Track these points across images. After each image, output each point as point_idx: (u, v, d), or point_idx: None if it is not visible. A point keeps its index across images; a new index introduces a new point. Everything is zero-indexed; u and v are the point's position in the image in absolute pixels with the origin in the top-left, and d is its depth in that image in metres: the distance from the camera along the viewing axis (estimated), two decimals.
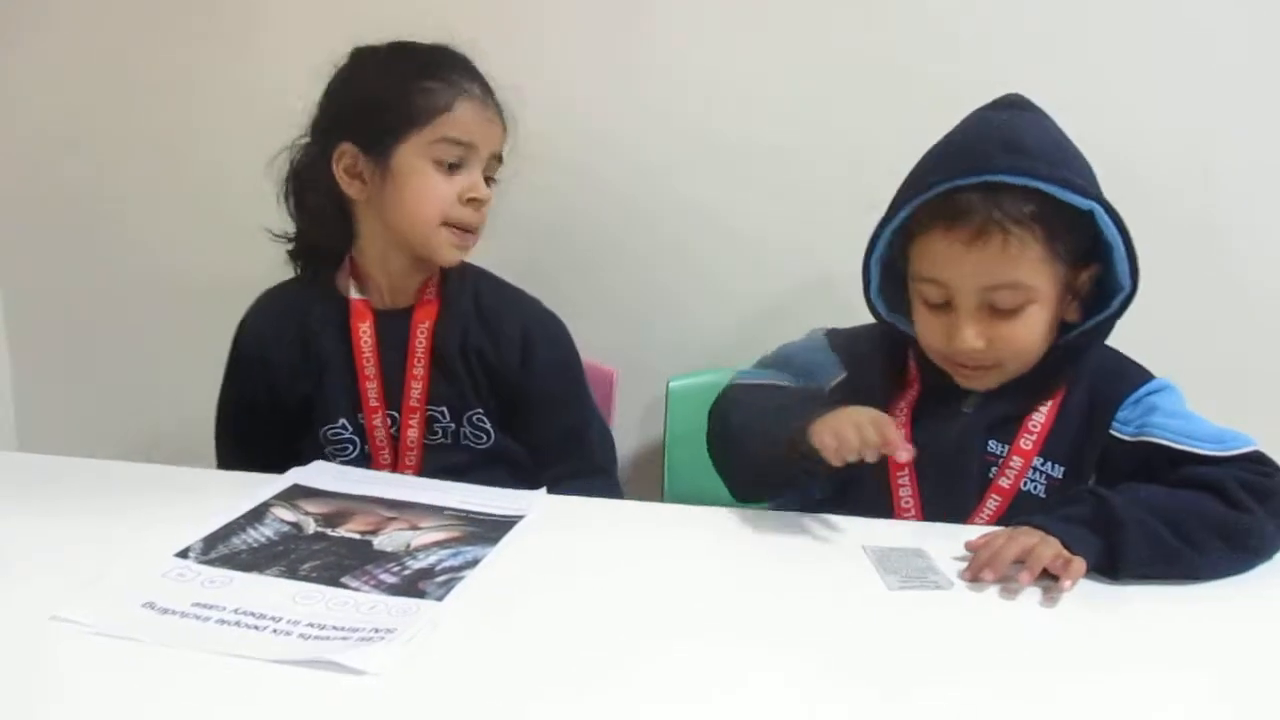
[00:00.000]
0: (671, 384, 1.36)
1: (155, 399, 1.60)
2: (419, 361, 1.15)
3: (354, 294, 1.16)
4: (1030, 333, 0.94)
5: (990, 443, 0.98)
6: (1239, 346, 1.37)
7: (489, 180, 1.16)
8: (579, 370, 1.23)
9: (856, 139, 1.36)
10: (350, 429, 1.15)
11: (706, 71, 1.39)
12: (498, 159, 1.17)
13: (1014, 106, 0.97)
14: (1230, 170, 1.33)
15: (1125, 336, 1.00)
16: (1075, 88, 1.30)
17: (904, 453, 0.90)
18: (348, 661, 0.67)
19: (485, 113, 1.13)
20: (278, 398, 1.17)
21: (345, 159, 1.12)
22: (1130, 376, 0.99)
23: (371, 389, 1.15)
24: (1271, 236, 1.34)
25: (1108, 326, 0.97)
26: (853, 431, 0.87)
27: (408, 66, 1.13)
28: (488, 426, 1.17)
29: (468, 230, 1.14)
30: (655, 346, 1.46)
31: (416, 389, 1.15)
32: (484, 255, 1.28)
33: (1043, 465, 0.97)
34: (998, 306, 0.93)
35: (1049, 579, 0.82)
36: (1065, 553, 0.82)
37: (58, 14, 1.50)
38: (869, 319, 1.06)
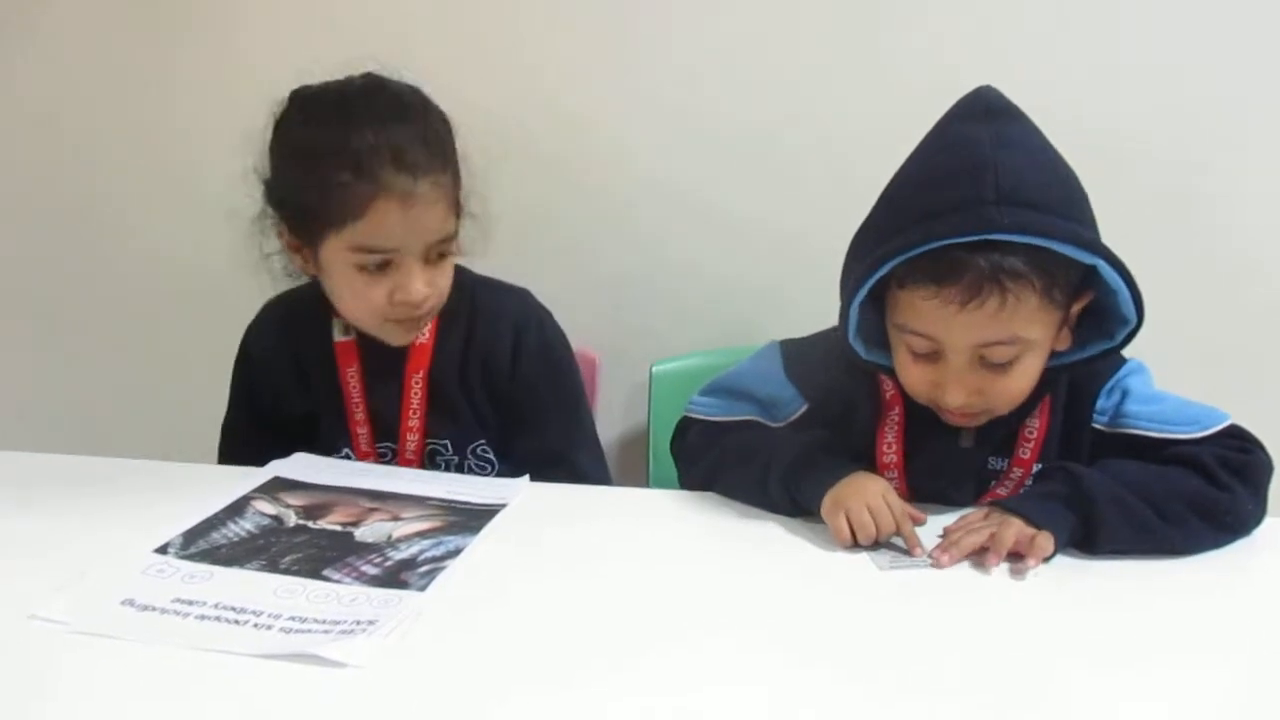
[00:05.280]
0: (655, 369, 1.36)
1: (132, 396, 1.58)
2: (414, 412, 1.10)
3: (339, 336, 1.10)
4: (1024, 381, 0.89)
5: (990, 459, 0.97)
6: (1216, 324, 1.37)
7: (444, 253, 1.03)
8: (572, 378, 1.17)
9: (839, 122, 1.36)
10: (353, 458, 1.12)
11: (687, 55, 1.38)
12: (447, 240, 1.02)
13: (994, 116, 0.87)
14: (1215, 145, 1.33)
15: None
16: (1065, 66, 1.30)
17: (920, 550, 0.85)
18: (329, 654, 0.67)
19: (411, 207, 0.97)
20: (281, 411, 1.14)
21: (284, 234, 1.04)
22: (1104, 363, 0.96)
23: (363, 434, 1.11)
24: (1252, 217, 1.35)
25: (1109, 354, 0.91)
26: (867, 518, 0.85)
27: (329, 146, 0.97)
28: (491, 458, 1.14)
29: (413, 318, 1.04)
30: (637, 331, 1.46)
31: (413, 440, 1.11)
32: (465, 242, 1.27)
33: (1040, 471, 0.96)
34: (991, 361, 0.87)
35: (1018, 558, 0.82)
36: (1028, 529, 0.83)
37: (35, 13, 1.47)
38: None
